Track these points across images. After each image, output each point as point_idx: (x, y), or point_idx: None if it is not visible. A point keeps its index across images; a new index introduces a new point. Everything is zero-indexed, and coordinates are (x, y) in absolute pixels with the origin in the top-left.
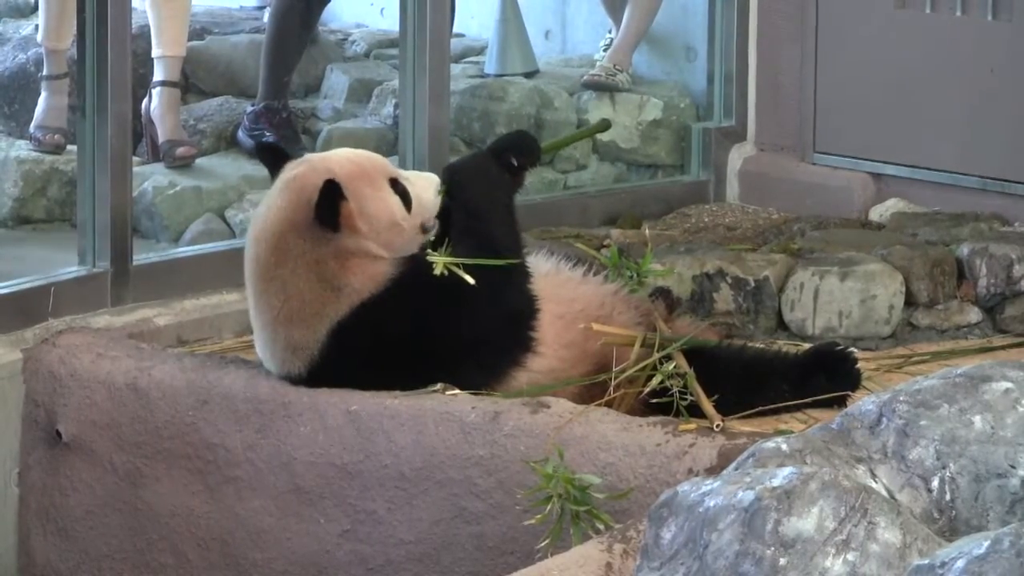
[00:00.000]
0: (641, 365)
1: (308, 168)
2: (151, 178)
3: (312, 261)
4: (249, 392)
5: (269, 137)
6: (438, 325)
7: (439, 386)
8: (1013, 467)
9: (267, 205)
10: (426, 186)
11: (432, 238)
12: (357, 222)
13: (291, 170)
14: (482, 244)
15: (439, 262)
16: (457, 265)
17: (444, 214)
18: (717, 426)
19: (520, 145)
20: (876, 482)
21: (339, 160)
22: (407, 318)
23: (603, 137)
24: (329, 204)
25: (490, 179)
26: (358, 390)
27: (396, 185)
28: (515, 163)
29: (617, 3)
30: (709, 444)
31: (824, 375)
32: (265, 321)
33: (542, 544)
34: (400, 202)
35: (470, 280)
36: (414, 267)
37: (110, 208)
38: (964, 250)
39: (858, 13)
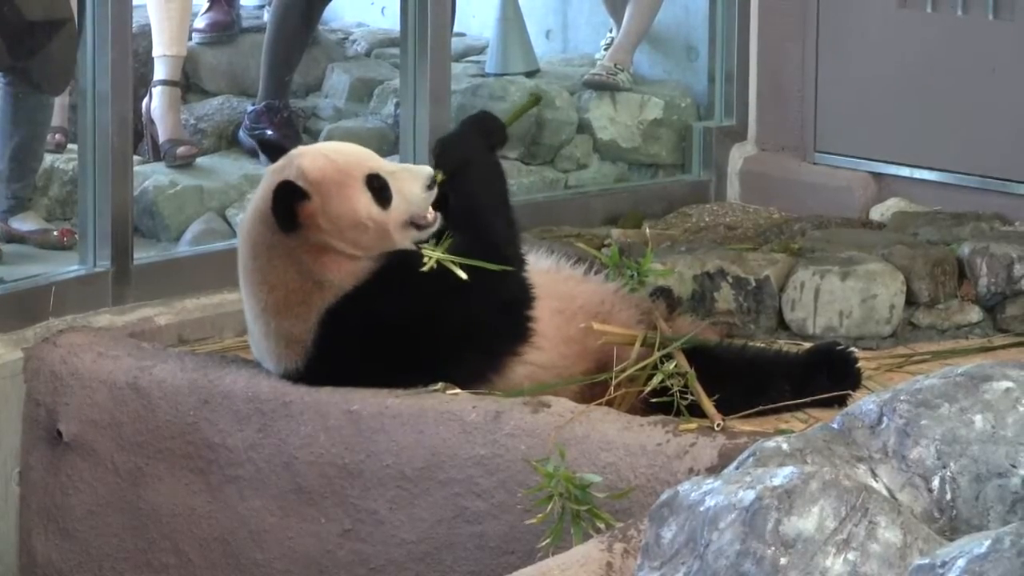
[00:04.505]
0: (642, 364)
1: (286, 162)
2: (152, 177)
3: (285, 253)
4: (250, 391)
5: (270, 136)
6: (430, 310)
7: (439, 385)
8: (1014, 466)
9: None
10: (411, 180)
11: (433, 232)
12: (319, 220)
13: (278, 162)
14: (481, 237)
15: (432, 258)
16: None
17: (441, 200)
18: (718, 425)
19: (488, 127)
20: (877, 481)
21: (313, 156)
22: (397, 303)
23: (604, 136)
24: (283, 205)
25: (491, 166)
26: (357, 381)
27: (375, 181)
28: (490, 144)
29: (618, 2)
30: (710, 443)
31: (825, 374)
32: (256, 313)
33: (543, 543)
34: (372, 200)
35: (462, 275)
36: (398, 259)
37: (111, 207)
38: (965, 249)
39: (859, 12)
